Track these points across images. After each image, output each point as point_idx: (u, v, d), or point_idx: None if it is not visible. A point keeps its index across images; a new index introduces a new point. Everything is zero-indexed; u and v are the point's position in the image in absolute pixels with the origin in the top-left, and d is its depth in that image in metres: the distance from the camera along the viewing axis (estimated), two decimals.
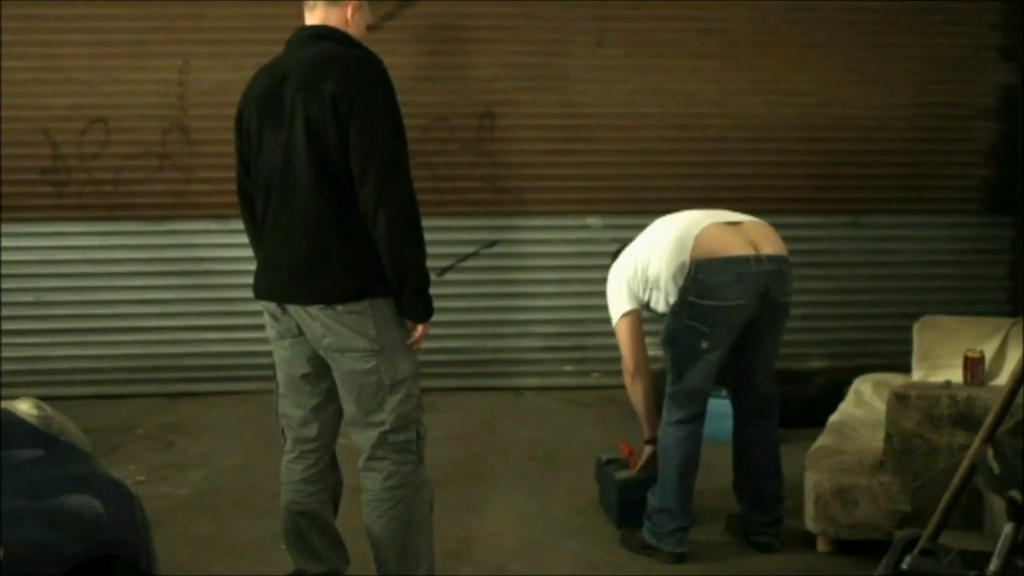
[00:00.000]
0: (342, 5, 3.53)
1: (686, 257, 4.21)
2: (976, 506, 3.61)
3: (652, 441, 4.56)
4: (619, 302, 4.52)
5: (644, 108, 6.89)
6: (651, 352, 4.62)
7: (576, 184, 7.04)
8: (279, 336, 3.61)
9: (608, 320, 4.57)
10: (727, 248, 4.21)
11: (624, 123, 6.98)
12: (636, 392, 4.58)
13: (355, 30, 3.56)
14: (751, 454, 4.50)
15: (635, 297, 4.47)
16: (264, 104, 3.47)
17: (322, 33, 3.51)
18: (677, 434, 4.30)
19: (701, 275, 4.17)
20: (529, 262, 7.13)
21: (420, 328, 3.50)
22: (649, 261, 4.38)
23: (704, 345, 4.20)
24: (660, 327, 4.41)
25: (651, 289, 4.40)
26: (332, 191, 3.36)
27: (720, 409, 4.79)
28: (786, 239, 4.44)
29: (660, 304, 4.39)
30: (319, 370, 3.58)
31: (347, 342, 3.41)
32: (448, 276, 6.87)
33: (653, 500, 4.38)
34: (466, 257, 6.98)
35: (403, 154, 3.40)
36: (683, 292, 4.22)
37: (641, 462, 4.67)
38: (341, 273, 3.39)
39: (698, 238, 4.24)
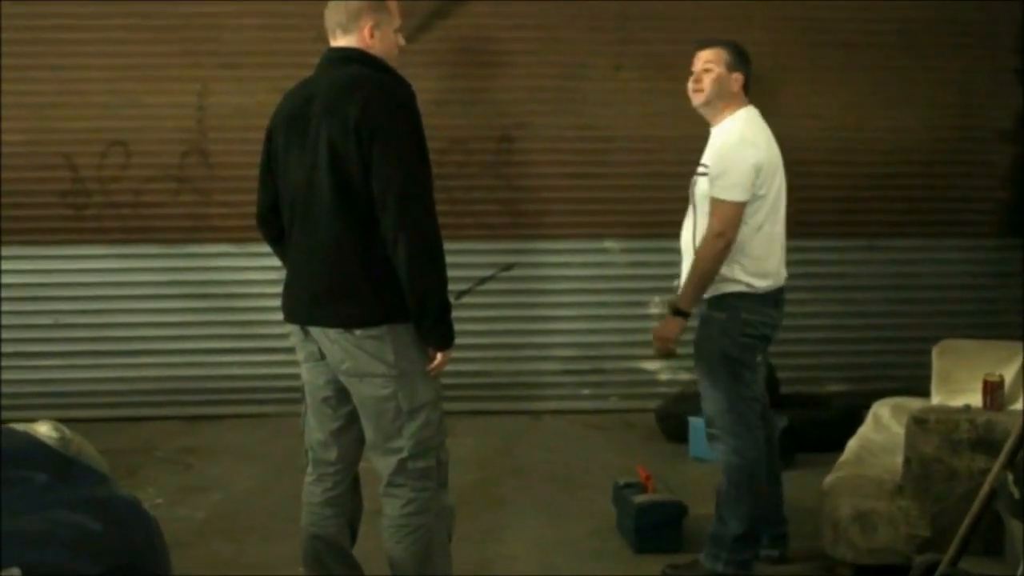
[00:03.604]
0: (359, 27, 3.49)
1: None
2: (996, 531, 3.58)
3: (687, 315, 4.21)
4: (740, 185, 4.11)
5: (662, 131, 6.88)
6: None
7: (594, 207, 7.04)
8: (305, 358, 3.62)
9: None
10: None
11: (642, 146, 6.98)
12: (716, 256, 4.10)
13: (381, 50, 3.52)
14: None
15: (750, 191, 4.13)
16: (290, 126, 3.47)
17: (350, 56, 3.48)
18: (762, 451, 4.28)
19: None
20: (547, 285, 7.13)
21: (440, 355, 3.46)
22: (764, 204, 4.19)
23: (759, 359, 4.27)
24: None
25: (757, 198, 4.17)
26: (353, 215, 3.35)
27: None
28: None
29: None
30: (340, 394, 3.57)
31: (365, 367, 3.40)
32: (465, 299, 6.86)
33: (730, 529, 4.23)
34: (484, 280, 6.97)
35: (426, 180, 3.37)
36: (735, 311, 4.19)
37: (666, 332, 4.23)
38: (360, 298, 3.38)
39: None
